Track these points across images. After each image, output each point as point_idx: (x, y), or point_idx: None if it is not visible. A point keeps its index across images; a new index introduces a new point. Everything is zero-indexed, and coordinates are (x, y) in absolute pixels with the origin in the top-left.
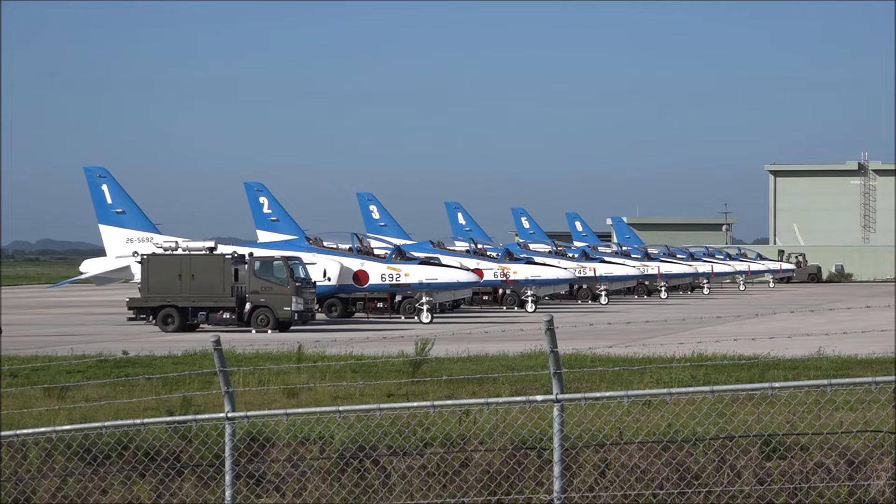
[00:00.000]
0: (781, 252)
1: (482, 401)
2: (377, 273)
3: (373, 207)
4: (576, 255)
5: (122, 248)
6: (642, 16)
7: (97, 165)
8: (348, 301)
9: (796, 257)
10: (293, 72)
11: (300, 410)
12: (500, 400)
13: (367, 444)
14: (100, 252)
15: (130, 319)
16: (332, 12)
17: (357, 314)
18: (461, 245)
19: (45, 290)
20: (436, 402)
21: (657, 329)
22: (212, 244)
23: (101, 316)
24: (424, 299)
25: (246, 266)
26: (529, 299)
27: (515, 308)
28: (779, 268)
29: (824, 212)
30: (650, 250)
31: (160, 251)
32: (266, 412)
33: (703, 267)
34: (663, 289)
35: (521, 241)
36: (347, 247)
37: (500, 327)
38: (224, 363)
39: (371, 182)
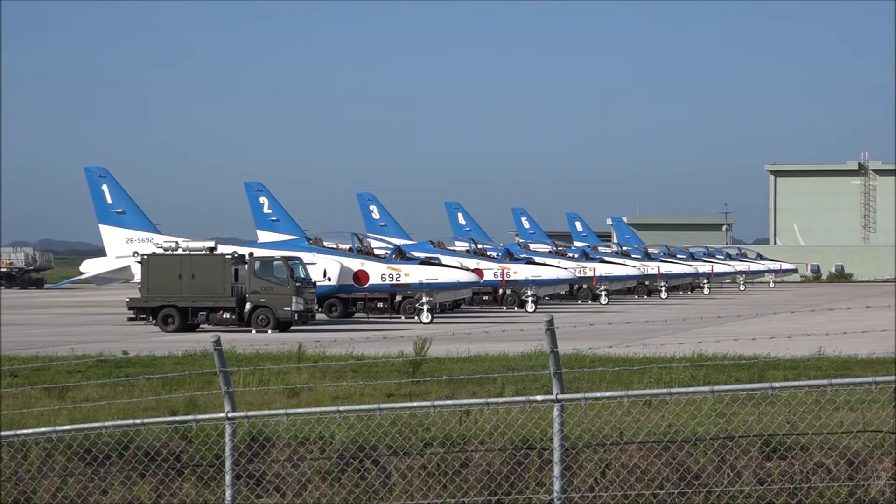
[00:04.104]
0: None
1: (482, 401)
2: (377, 273)
3: (373, 207)
4: (576, 255)
5: (122, 248)
6: (642, 16)
7: (97, 165)
8: (348, 301)
9: None
10: (293, 72)
11: (300, 410)
12: (501, 400)
13: (367, 444)
14: (100, 252)
15: (130, 319)
16: (332, 12)
17: (357, 314)
18: (461, 245)
19: (46, 290)
20: (436, 402)
21: (657, 329)
22: (212, 244)
23: (101, 316)
24: (424, 299)
25: (246, 266)
26: (529, 299)
27: (515, 308)
28: (779, 268)
29: (824, 212)
30: (650, 250)
31: (160, 251)
32: (266, 412)
33: (703, 267)
34: (663, 289)
35: (521, 241)
36: (347, 247)
37: (500, 327)
38: (224, 363)
39: (371, 182)
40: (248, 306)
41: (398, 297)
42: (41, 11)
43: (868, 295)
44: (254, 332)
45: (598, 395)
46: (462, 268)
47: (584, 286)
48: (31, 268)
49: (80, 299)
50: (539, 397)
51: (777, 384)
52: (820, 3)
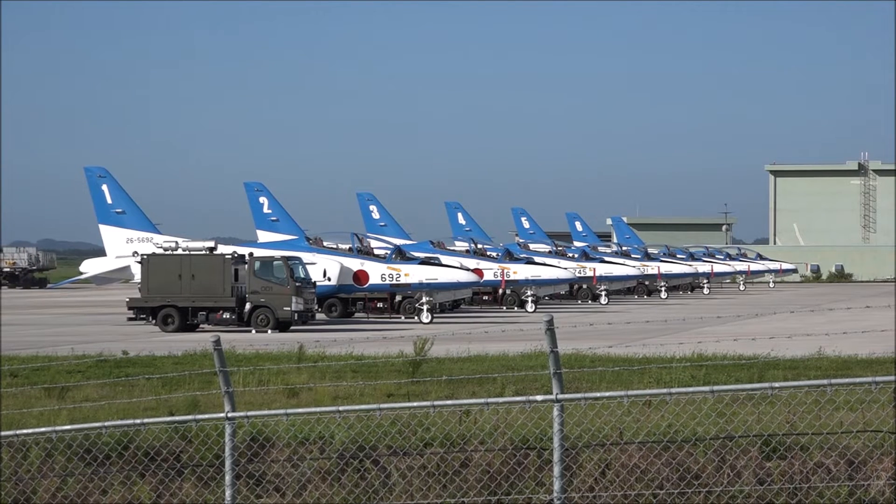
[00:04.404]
0: None
1: (482, 401)
2: (377, 273)
3: (373, 207)
4: (576, 255)
5: (122, 248)
6: (642, 16)
7: (97, 165)
8: (348, 301)
9: None
10: (294, 71)
11: (300, 410)
12: (500, 400)
13: (367, 444)
14: (100, 252)
15: (130, 319)
16: (332, 12)
17: (357, 314)
18: (461, 245)
19: (46, 289)
20: (436, 402)
21: (657, 329)
22: (212, 244)
23: (101, 316)
24: (424, 299)
25: (246, 266)
26: (529, 299)
27: (515, 308)
28: (779, 268)
29: (824, 212)
30: (650, 250)
31: (160, 251)
32: (266, 412)
33: (703, 267)
34: (663, 289)
35: (521, 241)
36: (347, 247)
37: (500, 327)
38: (224, 363)
39: (371, 182)
40: (248, 306)
41: (398, 297)
42: (41, 11)
43: (868, 295)
44: (254, 332)
45: (598, 395)
46: (462, 268)
47: (584, 286)
48: (35, 268)
49: (80, 299)
50: (539, 397)
51: (777, 384)
52: (820, 3)
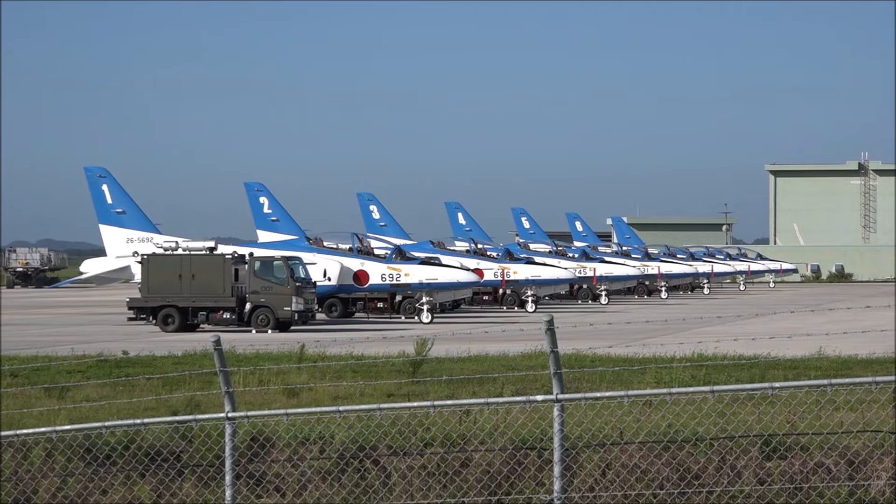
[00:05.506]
0: None
1: (482, 401)
2: (377, 273)
3: (373, 207)
4: (576, 255)
5: (122, 248)
6: (642, 15)
7: (97, 165)
8: (348, 301)
9: None
10: (294, 72)
11: (300, 410)
12: (501, 400)
13: (367, 444)
14: (100, 252)
15: (130, 319)
16: (333, 12)
17: (357, 314)
18: (461, 245)
19: (46, 290)
20: (436, 402)
21: (657, 329)
22: (212, 244)
23: (101, 316)
24: (424, 299)
25: (246, 266)
26: (529, 299)
27: (515, 308)
28: (779, 268)
29: (824, 212)
30: (650, 250)
31: (160, 251)
32: (266, 412)
33: (703, 267)
34: (663, 289)
35: (521, 241)
36: (347, 247)
37: (500, 327)
38: (224, 363)
39: (371, 182)
40: (248, 306)
41: (398, 297)
42: (41, 11)
43: (868, 295)
44: (254, 332)
45: (598, 395)
46: (462, 268)
47: (584, 286)
48: (46, 267)
49: (81, 299)
50: (539, 397)
51: (777, 384)
52: (820, 3)
